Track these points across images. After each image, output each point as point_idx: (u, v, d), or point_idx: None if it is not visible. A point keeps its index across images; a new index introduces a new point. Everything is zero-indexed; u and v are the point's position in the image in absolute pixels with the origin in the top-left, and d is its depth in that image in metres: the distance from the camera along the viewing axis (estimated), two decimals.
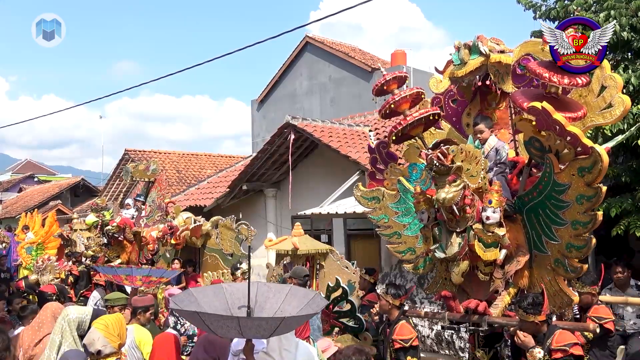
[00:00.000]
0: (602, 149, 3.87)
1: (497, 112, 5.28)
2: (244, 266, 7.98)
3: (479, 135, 4.89)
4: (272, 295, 3.58)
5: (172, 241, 9.20)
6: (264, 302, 3.49)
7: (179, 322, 5.93)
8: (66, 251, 12.07)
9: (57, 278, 11.16)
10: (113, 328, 4.27)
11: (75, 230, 11.79)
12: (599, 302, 5.30)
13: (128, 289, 7.32)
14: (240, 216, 11.37)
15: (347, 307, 6.13)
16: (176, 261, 9.37)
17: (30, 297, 9.39)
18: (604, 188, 3.92)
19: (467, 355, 5.22)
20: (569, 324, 4.69)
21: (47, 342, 4.47)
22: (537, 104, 4.03)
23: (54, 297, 9.23)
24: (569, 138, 3.95)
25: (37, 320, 4.95)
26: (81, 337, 4.45)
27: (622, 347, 5.57)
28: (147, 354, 4.95)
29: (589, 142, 3.90)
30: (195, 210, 13.65)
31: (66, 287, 10.13)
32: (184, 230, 9.13)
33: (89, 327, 4.52)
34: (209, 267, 9.04)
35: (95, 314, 5.17)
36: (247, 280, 3.48)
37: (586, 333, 4.91)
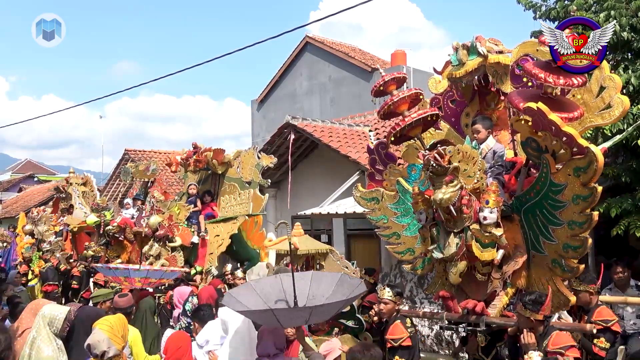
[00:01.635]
0: (597, 149, 3.86)
1: (496, 113, 5.28)
2: (239, 273, 8.03)
3: (475, 135, 4.89)
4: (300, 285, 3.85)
5: (195, 157, 9.44)
6: (316, 290, 3.79)
7: (192, 325, 5.97)
8: (61, 206, 12.06)
9: (51, 230, 11.23)
10: (117, 329, 4.27)
11: (72, 184, 11.80)
12: (600, 303, 5.28)
13: None
14: None
15: (346, 307, 6.12)
16: (192, 186, 9.60)
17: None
18: (600, 188, 3.91)
19: (467, 356, 5.21)
20: (566, 324, 4.69)
21: (25, 337, 4.49)
22: (533, 105, 4.03)
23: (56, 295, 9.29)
24: (564, 138, 3.95)
25: (20, 317, 5.01)
26: (57, 335, 4.47)
27: (622, 347, 5.56)
28: (136, 354, 4.97)
29: (584, 142, 3.89)
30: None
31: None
32: (206, 151, 9.36)
33: (67, 328, 4.55)
34: (225, 194, 9.35)
35: (94, 313, 5.17)
36: (291, 273, 3.73)
37: (604, 345, 4.89)
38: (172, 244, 8.74)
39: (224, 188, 9.52)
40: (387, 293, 5.13)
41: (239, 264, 8.77)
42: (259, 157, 9.11)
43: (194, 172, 9.92)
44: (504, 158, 4.81)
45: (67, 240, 11.17)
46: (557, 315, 4.94)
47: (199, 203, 9.56)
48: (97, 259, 9.80)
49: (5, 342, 3.67)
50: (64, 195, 12.13)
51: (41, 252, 11.52)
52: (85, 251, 9.86)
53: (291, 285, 3.75)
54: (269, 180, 9.07)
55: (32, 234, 11.87)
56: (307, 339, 4.99)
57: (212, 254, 8.77)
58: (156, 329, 6.29)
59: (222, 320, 4.53)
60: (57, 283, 10.82)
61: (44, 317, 4.50)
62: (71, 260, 11.14)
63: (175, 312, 6.62)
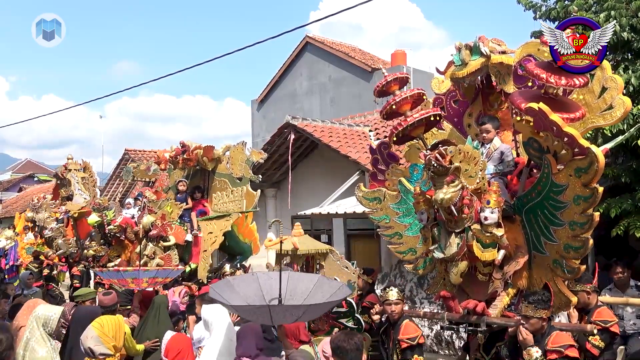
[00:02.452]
0: (597, 150, 3.85)
1: (499, 113, 5.28)
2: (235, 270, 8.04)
3: (484, 135, 4.88)
4: (300, 284, 4.00)
5: (185, 156, 9.32)
6: (293, 290, 3.87)
7: (186, 320, 5.99)
8: (62, 193, 12.07)
9: (52, 217, 11.23)
10: (108, 329, 4.27)
11: (70, 170, 11.79)
12: (600, 304, 5.29)
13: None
14: None
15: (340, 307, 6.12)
16: (182, 182, 9.49)
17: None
18: (601, 189, 3.91)
19: (467, 356, 5.23)
20: (566, 324, 4.70)
21: (21, 335, 4.49)
22: (534, 105, 4.02)
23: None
24: (566, 139, 3.94)
25: (16, 316, 5.02)
26: (51, 335, 4.46)
27: (622, 347, 5.57)
28: (127, 348, 5.07)
29: (585, 143, 3.88)
30: None
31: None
32: (197, 149, 9.23)
33: (62, 327, 4.56)
34: (217, 191, 9.27)
35: (90, 313, 5.18)
36: (279, 271, 3.83)
37: (598, 343, 4.91)
38: (166, 243, 8.72)
39: (214, 184, 9.41)
40: (395, 294, 5.16)
41: (237, 263, 8.78)
42: (249, 153, 8.98)
43: (182, 169, 9.82)
44: (512, 157, 4.82)
45: (69, 226, 11.17)
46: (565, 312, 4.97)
47: (189, 200, 9.47)
48: (98, 258, 9.82)
49: (7, 342, 3.68)
50: (61, 182, 12.13)
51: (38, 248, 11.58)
52: (85, 250, 9.86)
53: (267, 283, 3.87)
54: (260, 176, 8.98)
55: (33, 221, 11.88)
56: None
57: (205, 251, 8.74)
58: (170, 325, 6.30)
59: (204, 319, 4.54)
60: (50, 283, 10.87)
61: (38, 318, 4.48)
62: (71, 260, 11.13)
63: None
